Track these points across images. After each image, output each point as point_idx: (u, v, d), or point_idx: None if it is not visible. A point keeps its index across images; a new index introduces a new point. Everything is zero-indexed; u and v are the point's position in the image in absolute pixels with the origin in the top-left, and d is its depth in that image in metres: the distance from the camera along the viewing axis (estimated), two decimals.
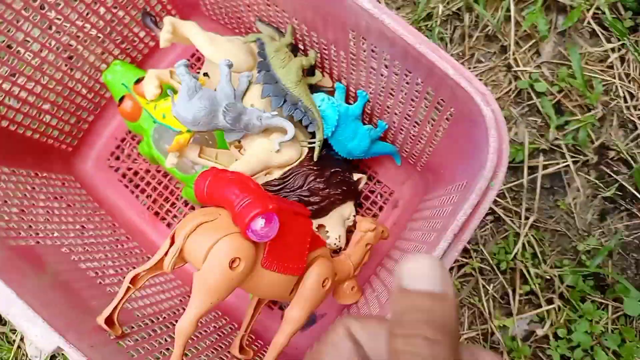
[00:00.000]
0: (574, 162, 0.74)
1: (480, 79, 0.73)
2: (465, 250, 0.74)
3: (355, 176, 0.66)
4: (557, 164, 0.74)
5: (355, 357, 0.21)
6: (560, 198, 0.74)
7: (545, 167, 0.74)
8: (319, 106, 0.61)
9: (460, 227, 0.46)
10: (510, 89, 0.76)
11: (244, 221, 0.43)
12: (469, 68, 0.77)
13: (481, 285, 0.73)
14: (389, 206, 0.69)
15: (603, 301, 0.71)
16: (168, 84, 0.60)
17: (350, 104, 0.63)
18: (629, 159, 0.73)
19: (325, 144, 0.63)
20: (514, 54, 0.76)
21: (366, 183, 0.69)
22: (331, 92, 0.66)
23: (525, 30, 0.76)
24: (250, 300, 0.58)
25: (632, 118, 0.73)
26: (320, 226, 0.63)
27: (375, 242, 0.59)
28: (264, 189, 0.51)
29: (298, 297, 0.50)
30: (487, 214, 0.71)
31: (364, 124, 0.65)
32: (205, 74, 0.63)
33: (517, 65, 0.76)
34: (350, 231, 0.62)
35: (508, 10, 0.76)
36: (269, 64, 0.59)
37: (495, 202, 0.74)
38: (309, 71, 0.63)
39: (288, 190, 0.61)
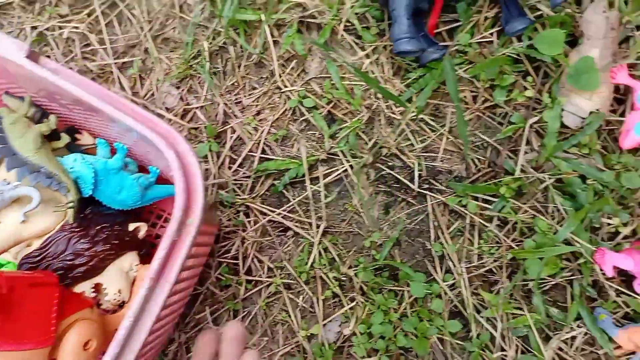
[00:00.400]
0: (353, 166, 0.78)
1: (257, 104, 0.77)
2: (270, 269, 0.78)
3: (131, 226, 0.68)
4: (337, 170, 0.78)
5: None
6: (348, 201, 0.79)
7: (327, 175, 0.79)
8: (71, 167, 0.62)
9: (156, 271, 0.48)
10: (285, 109, 0.80)
11: None
12: (245, 96, 0.81)
13: (288, 299, 0.77)
14: None
15: (400, 289, 0.76)
16: None
17: None
18: (398, 152, 0.78)
19: (94, 201, 0.65)
20: (280, 76, 0.80)
21: (149, 229, 0.71)
22: (93, 150, 0.67)
23: (290, 52, 0.80)
24: None
25: (394, 115, 0.79)
26: (97, 285, 0.64)
27: None
28: None
29: None
30: (285, 230, 0.75)
31: (141, 171, 0.67)
32: None
33: (285, 86, 0.80)
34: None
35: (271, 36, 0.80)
36: (5, 137, 0.60)
37: (288, 218, 0.78)
38: (53, 136, 0.64)
39: (50, 258, 0.62)
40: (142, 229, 0.68)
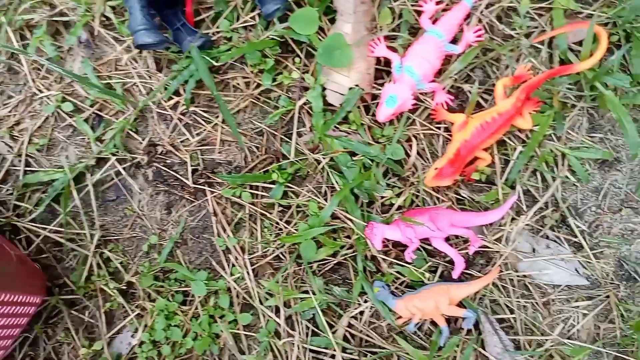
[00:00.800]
0: (127, 168, 0.74)
1: (14, 114, 0.70)
2: (49, 288, 0.73)
3: None
4: (109, 174, 0.74)
5: None
6: (128, 205, 0.75)
7: (101, 181, 0.74)
8: None
9: None
10: (47, 116, 0.74)
11: None
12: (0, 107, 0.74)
13: (68, 318, 0.73)
14: None
15: (188, 289, 0.73)
16: None
17: None
18: (172, 149, 0.75)
19: None
20: (34, 81, 0.74)
21: None
22: None
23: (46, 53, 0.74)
24: None
25: (165, 112, 0.75)
26: None
27: None
28: None
29: None
30: (60, 244, 0.70)
31: None
32: None
33: (41, 91, 0.74)
34: None
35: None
36: None
37: (60, 232, 0.73)
38: None
39: None
40: None
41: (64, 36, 0.76)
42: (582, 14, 0.72)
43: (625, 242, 0.75)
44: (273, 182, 0.74)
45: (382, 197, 0.73)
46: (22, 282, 0.64)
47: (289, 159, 0.74)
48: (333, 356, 0.72)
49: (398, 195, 0.73)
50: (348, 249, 0.73)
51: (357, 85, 0.71)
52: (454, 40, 0.72)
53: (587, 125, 0.75)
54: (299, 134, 0.75)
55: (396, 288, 0.74)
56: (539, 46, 0.73)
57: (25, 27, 0.75)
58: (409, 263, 0.72)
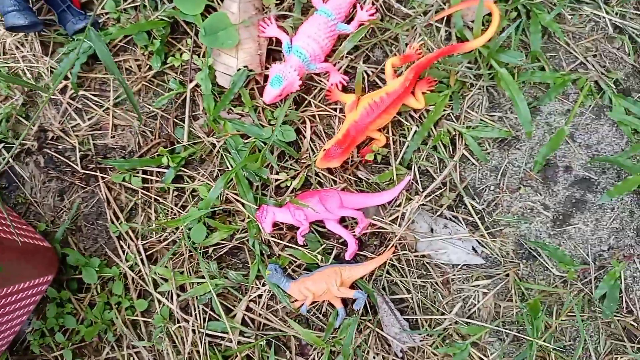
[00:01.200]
0: (18, 154, 0.73)
1: None
2: None
3: None
4: None
5: None
6: (20, 193, 0.73)
7: None
8: None
9: None
10: None
11: None
12: None
13: None
14: None
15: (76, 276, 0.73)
16: None
17: None
18: (63, 135, 0.73)
19: None
20: None
21: None
22: None
23: None
24: None
25: (56, 97, 0.73)
26: None
27: None
28: None
29: None
30: None
31: None
32: None
33: None
34: None
35: None
36: None
37: None
38: None
39: None
40: None
41: None
42: None
43: (525, 221, 0.75)
44: (167, 167, 0.73)
45: (277, 180, 0.73)
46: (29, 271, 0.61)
47: (182, 142, 0.73)
48: (231, 340, 0.72)
49: (293, 178, 0.73)
50: (243, 232, 0.73)
51: (245, 67, 0.70)
52: (350, 21, 0.71)
53: (487, 104, 0.74)
54: (195, 117, 0.74)
55: (293, 270, 0.73)
56: (439, 25, 0.72)
57: None
58: (302, 245, 0.71)
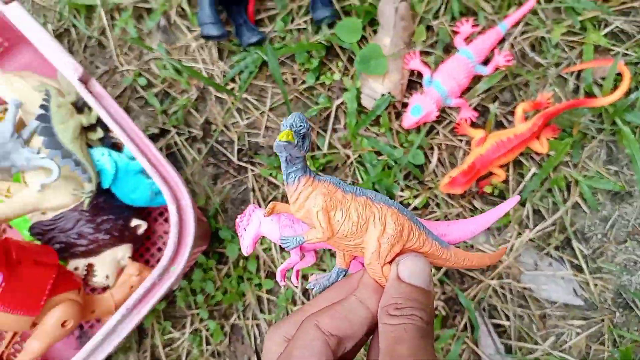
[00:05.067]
0: (186, 140, 0.87)
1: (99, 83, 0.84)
2: None
3: (134, 222, 0.74)
4: (169, 144, 0.87)
5: (326, 355, 0.23)
6: (182, 172, 0.88)
7: (163, 148, 0.87)
8: (97, 160, 0.69)
9: (131, 305, 0.58)
10: (125, 87, 0.88)
11: None
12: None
13: None
14: None
15: (224, 251, 0.86)
16: None
17: None
18: (224, 129, 0.86)
19: (109, 190, 0.72)
20: (118, 56, 0.88)
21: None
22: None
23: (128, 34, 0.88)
24: None
25: (221, 95, 0.86)
26: (90, 265, 0.73)
27: (137, 285, 0.69)
28: None
29: (39, 332, 0.61)
30: None
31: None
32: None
33: (122, 65, 0.87)
34: None
35: (110, 19, 0.88)
36: (49, 117, 0.65)
37: None
38: (91, 127, 0.71)
39: (58, 231, 0.70)
40: (142, 227, 0.75)
41: (145, 20, 0.88)
42: (612, 52, 0.76)
43: (627, 273, 0.79)
44: None
45: (401, 197, 0.81)
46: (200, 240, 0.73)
47: (322, 150, 0.83)
48: None
49: (416, 196, 0.81)
50: None
51: (389, 93, 0.79)
52: (486, 63, 0.78)
53: (605, 157, 0.79)
54: (334, 130, 0.84)
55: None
56: (567, 77, 0.78)
57: (115, 10, 0.88)
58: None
